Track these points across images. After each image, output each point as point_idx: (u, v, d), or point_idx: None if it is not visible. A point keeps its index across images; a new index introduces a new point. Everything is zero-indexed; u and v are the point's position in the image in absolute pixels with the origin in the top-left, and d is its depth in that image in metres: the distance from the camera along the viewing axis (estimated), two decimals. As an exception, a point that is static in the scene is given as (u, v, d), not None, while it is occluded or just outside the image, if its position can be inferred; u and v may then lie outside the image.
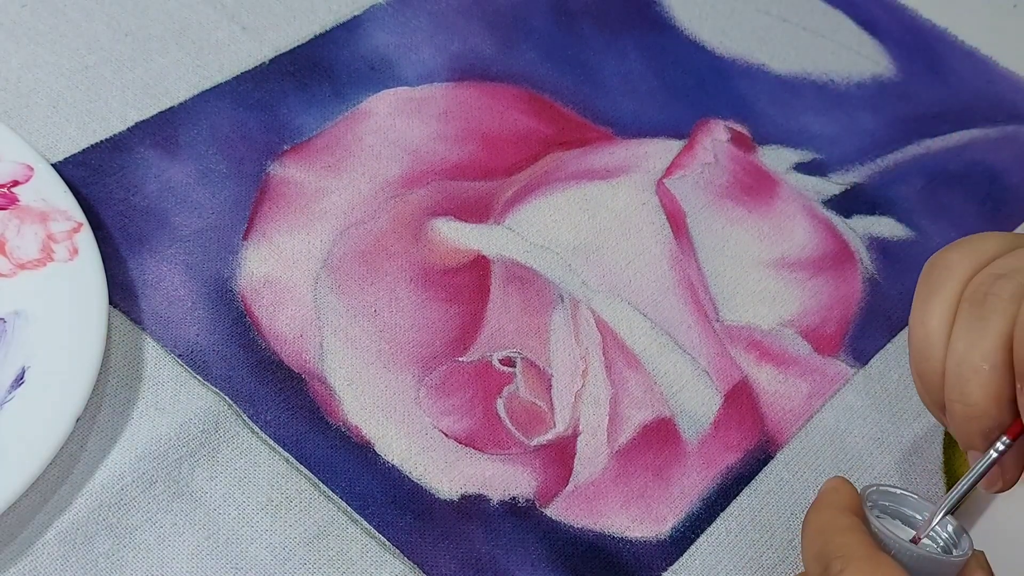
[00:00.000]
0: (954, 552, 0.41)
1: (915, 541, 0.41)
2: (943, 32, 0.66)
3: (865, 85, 0.62)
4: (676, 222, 0.55)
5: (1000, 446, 0.41)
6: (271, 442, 0.45)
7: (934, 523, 0.41)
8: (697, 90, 0.60)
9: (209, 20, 0.58)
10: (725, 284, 0.53)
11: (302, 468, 0.44)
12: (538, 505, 0.45)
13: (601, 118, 0.58)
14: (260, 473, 0.44)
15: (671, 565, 0.44)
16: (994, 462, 0.41)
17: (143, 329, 0.47)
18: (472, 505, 0.45)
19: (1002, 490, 0.42)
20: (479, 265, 0.51)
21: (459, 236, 0.52)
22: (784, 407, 0.49)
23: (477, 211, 0.53)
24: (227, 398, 0.46)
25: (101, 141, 0.52)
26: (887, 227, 0.56)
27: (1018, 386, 0.40)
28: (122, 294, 0.48)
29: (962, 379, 0.41)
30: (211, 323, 0.48)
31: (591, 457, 0.47)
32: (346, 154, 0.54)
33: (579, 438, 0.47)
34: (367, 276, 0.50)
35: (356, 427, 0.46)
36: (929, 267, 0.44)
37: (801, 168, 0.58)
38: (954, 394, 0.42)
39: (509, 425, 0.47)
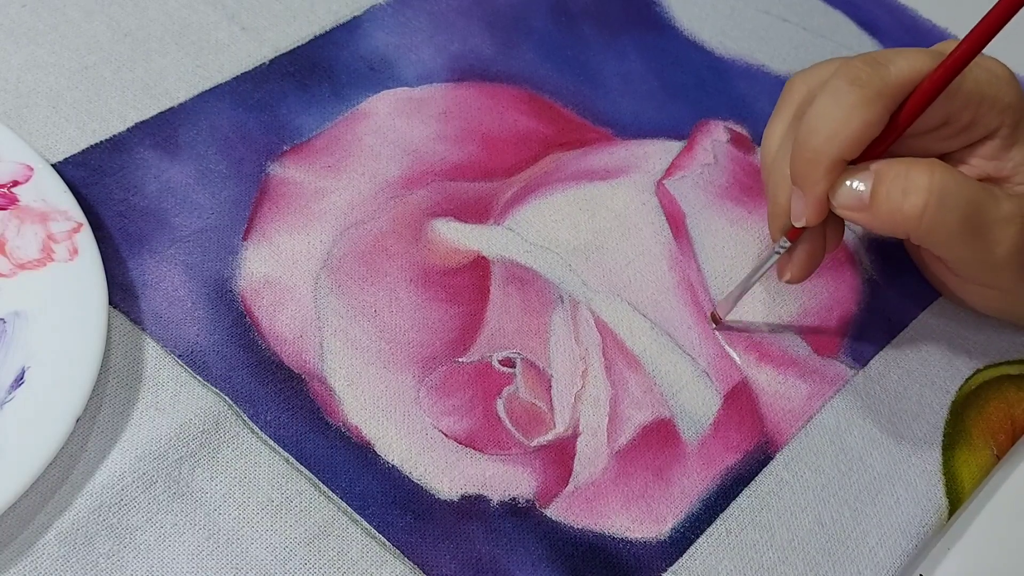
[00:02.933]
0: None
1: (715, 319, 0.51)
2: (943, 32, 0.66)
3: (865, 86, 0.62)
4: (676, 223, 0.55)
5: (783, 243, 0.48)
6: (271, 442, 0.45)
7: (734, 299, 0.50)
8: (697, 91, 0.60)
9: (209, 20, 0.58)
10: (725, 285, 0.53)
11: (302, 468, 0.44)
12: (538, 505, 0.45)
13: (601, 119, 0.58)
14: (260, 473, 0.44)
15: (671, 565, 0.44)
16: (775, 257, 0.49)
17: (143, 329, 0.47)
18: (472, 505, 0.45)
19: (791, 281, 0.49)
20: (479, 266, 0.51)
21: (459, 237, 0.52)
22: (784, 408, 0.49)
23: (477, 212, 0.53)
24: (227, 398, 0.46)
25: (101, 141, 0.52)
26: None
27: (793, 190, 0.46)
28: (122, 294, 0.48)
29: (775, 184, 0.48)
30: (211, 323, 0.48)
31: (591, 458, 0.47)
32: (346, 154, 0.54)
33: (579, 439, 0.47)
34: (367, 276, 0.50)
35: (356, 427, 0.46)
36: (783, 91, 0.51)
37: (801, 169, 0.58)
38: (770, 196, 0.49)
39: (509, 426, 0.47)
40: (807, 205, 0.46)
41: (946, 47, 0.48)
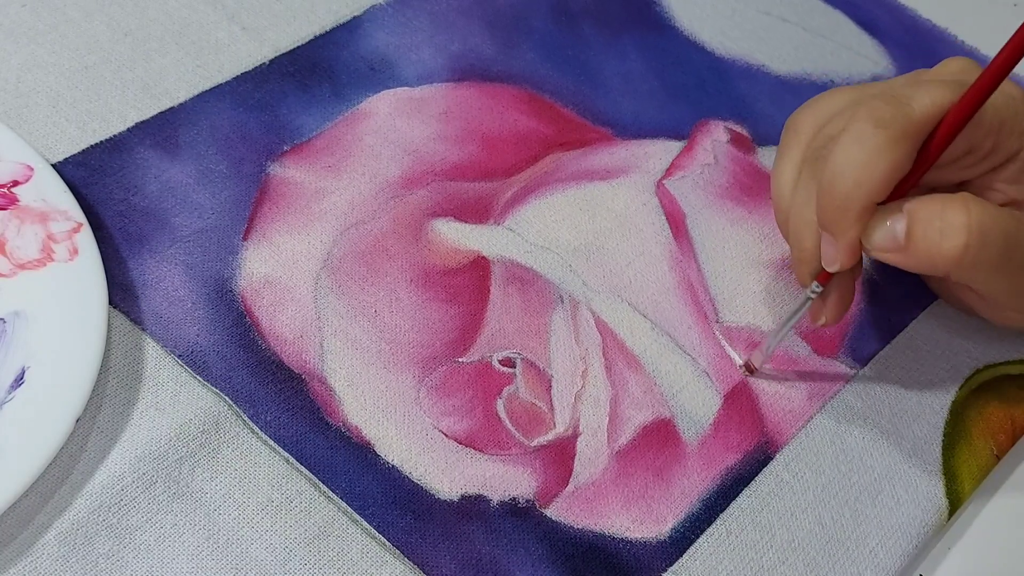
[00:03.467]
0: None
1: (750, 369, 0.50)
2: (943, 32, 0.66)
3: (865, 86, 0.62)
4: (676, 223, 0.55)
5: (815, 287, 0.47)
6: (271, 442, 0.45)
7: (769, 350, 0.49)
8: (697, 91, 0.60)
9: (209, 20, 0.58)
10: (725, 285, 0.53)
11: (302, 468, 0.44)
12: (538, 506, 0.45)
13: (601, 119, 0.58)
14: (260, 473, 0.44)
15: (671, 566, 0.44)
16: (809, 301, 0.48)
17: (143, 329, 0.47)
18: (472, 505, 0.45)
19: (825, 325, 0.48)
20: (479, 266, 0.51)
21: (459, 237, 0.52)
22: (784, 408, 0.49)
23: (477, 212, 0.53)
24: (227, 398, 0.46)
25: (101, 141, 0.52)
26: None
27: (823, 235, 0.45)
28: (122, 294, 0.48)
29: (798, 230, 0.47)
30: (211, 323, 0.48)
31: (591, 458, 0.47)
32: (346, 154, 0.54)
33: (579, 439, 0.47)
34: (367, 277, 0.50)
35: (356, 427, 0.46)
36: (784, 129, 0.50)
37: (801, 169, 0.58)
38: (793, 242, 0.48)
39: (509, 426, 0.47)
40: (839, 251, 0.45)
41: (956, 67, 0.47)
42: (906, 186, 0.45)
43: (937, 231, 0.44)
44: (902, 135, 0.43)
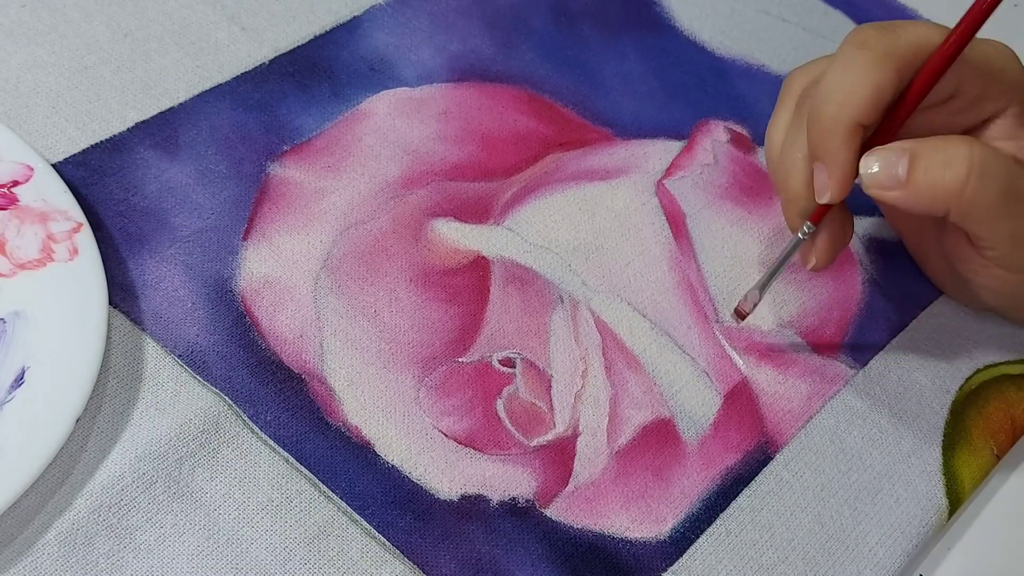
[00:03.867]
0: None
1: (740, 315, 0.50)
2: (943, 33, 0.66)
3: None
4: (676, 223, 0.55)
5: (805, 230, 0.47)
6: (271, 442, 0.45)
7: (760, 293, 0.49)
8: (697, 91, 0.60)
9: (209, 20, 0.58)
10: (725, 285, 0.53)
11: (302, 468, 0.44)
12: (538, 505, 0.45)
13: (601, 119, 0.58)
14: (260, 473, 0.44)
15: (671, 566, 0.44)
16: (800, 243, 0.48)
17: (143, 329, 0.47)
18: (472, 505, 0.45)
19: (816, 268, 0.48)
20: (479, 266, 0.51)
21: (459, 237, 0.52)
22: (784, 408, 0.49)
23: (477, 212, 0.53)
24: (227, 398, 0.46)
25: (101, 141, 0.52)
26: (887, 228, 0.56)
27: (815, 166, 0.46)
28: (122, 294, 0.48)
29: (784, 170, 0.48)
30: (211, 323, 0.48)
31: (591, 458, 0.47)
32: (346, 154, 0.54)
33: (579, 439, 0.47)
34: (367, 277, 0.50)
35: (356, 427, 0.46)
36: (782, 87, 0.51)
37: (801, 169, 0.58)
38: (780, 185, 0.49)
39: (509, 426, 0.47)
40: (831, 177, 0.45)
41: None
42: (895, 123, 0.46)
43: (939, 162, 0.44)
44: (884, 56, 0.44)
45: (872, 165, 0.45)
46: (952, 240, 0.50)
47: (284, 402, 0.46)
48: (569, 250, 0.53)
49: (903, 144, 0.45)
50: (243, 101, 0.55)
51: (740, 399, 0.49)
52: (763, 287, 0.49)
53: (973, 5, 0.44)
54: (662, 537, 0.45)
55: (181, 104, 0.54)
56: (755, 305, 0.50)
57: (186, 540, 0.42)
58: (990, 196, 0.45)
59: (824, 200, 0.46)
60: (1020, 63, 0.48)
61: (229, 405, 0.46)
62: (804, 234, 0.48)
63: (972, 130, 0.49)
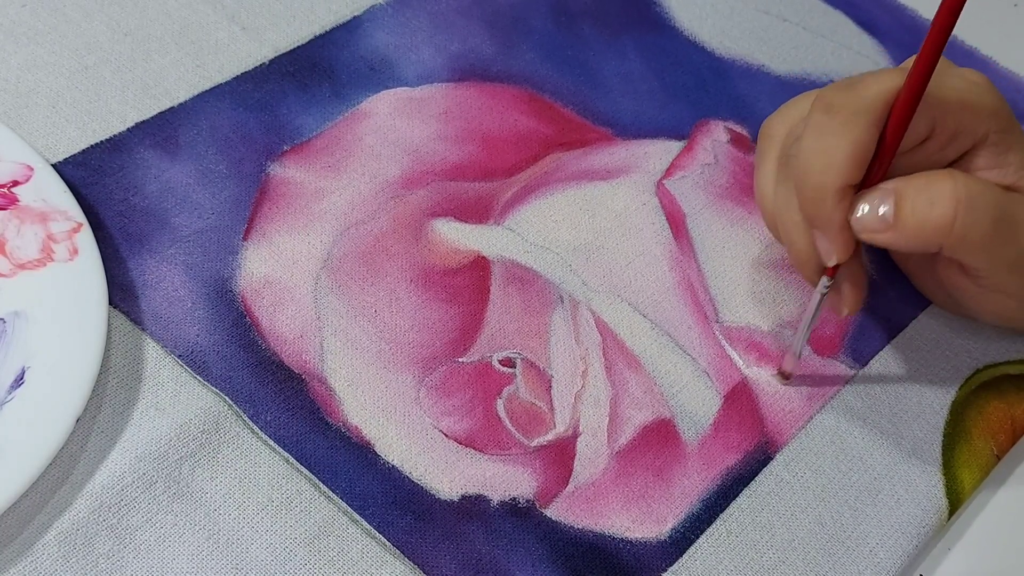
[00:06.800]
0: None
1: (785, 376, 0.50)
2: (943, 33, 0.66)
3: (865, 86, 0.62)
4: (676, 223, 0.55)
5: (826, 282, 0.47)
6: (271, 442, 0.45)
7: (797, 353, 0.49)
8: (697, 91, 0.60)
9: (209, 20, 0.58)
10: (725, 285, 0.53)
11: (302, 468, 0.44)
12: (538, 506, 0.45)
13: (601, 119, 0.58)
14: (260, 473, 0.44)
15: (671, 566, 0.44)
16: (823, 299, 0.47)
17: (143, 329, 0.47)
18: (472, 505, 0.45)
19: (850, 314, 0.48)
20: (479, 266, 0.51)
21: (459, 237, 0.52)
22: (784, 408, 0.49)
23: (477, 212, 0.53)
24: (227, 398, 0.46)
25: (101, 141, 0.52)
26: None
27: (814, 232, 0.46)
28: (122, 294, 0.48)
29: (787, 235, 0.48)
30: (211, 323, 0.48)
31: (591, 458, 0.47)
32: (346, 154, 0.54)
33: (579, 439, 0.47)
34: (367, 277, 0.50)
35: (356, 427, 0.46)
36: (759, 136, 0.51)
37: (801, 169, 0.58)
38: (787, 245, 0.48)
39: (509, 426, 0.47)
40: (832, 242, 0.45)
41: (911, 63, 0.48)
42: (878, 173, 0.45)
43: (926, 202, 0.44)
44: (853, 115, 0.44)
45: (859, 210, 0.45)
46: (947, 272, 0.50)
47: (284, 402, 0.46)
48: (569, 250, 0.53)
49: (887, 185, 0.45)
50: (243, 101, 0.55)
51: (740, 399, 0.49)
52: (799, 348, 0.49)
53: (922, 47, 0.43)
54: (662, 537, 0.45)
55: (181, 104, 0.54)
56: (794, 366, 0.50)
57: (186, 540, 0.42)
58: (980, 228, 0.45)
59: (832, 263, 0.46)
60: (994, 91, 0.48)
61: (229, 405, 0.46)
62: (826, 287, 0.47)
63: (957, 163, 0.48)
